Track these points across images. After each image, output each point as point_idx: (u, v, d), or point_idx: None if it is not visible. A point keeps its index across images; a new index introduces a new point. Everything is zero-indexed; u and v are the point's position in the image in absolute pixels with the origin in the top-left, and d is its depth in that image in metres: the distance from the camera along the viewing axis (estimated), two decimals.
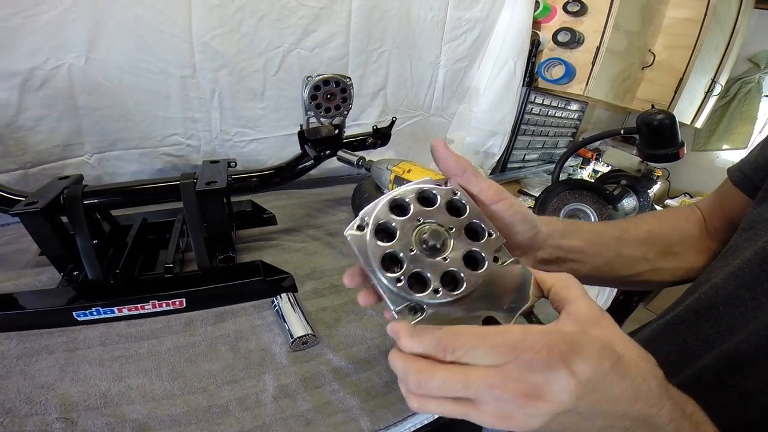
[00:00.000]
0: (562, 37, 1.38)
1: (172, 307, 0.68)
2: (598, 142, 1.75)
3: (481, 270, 0.34)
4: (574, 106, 1.67)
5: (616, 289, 0.95)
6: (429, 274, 0.33)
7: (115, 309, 0.65)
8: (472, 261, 0.34)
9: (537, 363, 0.27)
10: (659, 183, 1.65)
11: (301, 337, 0.64)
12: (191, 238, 0.70)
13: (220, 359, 0.63)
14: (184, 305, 0.69)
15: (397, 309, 0.32)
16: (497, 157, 1.48)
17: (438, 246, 0.33)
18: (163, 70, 0.91)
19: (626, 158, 1.20)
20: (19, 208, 0.63)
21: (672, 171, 1.98)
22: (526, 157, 1.61)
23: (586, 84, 1.39)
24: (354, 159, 0.85)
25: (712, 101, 1.97)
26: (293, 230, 0.98)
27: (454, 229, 0.34)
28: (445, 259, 0.33)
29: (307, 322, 0.67)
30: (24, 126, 0.82)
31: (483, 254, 0.34)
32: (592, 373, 0.27)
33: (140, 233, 0.79)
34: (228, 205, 0.80)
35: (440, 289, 0.32)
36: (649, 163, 1.14)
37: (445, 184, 0.37)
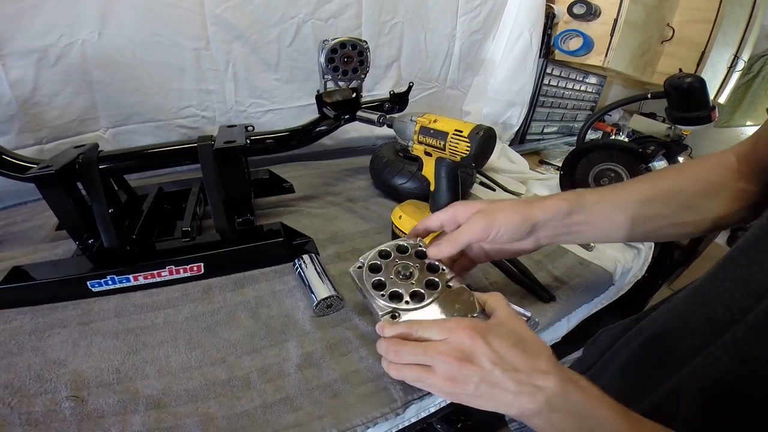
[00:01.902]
0: (578, 9, 1.27)
1: (189, 274, 0.60)
2: (617, 118, 1.64)
3: (438, 289, 0.49)
4: (592, 80, 1.55)
5: (638, 274, 0.86)
6: (402, 291, 0.49)
7: (130, 277, 0.58)
8: (431, 285, 0.50)
9: (465, 338, 0.39)
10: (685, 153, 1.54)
11: (326, 299, 0.56)
12: (209, 200, 0.62)
13: (240, 327, 0.55)
14: (202, 271, 0.61)
15: (382, 314, 0.47)
16: (516, 129, 1.37)
17: (407, 274, 0.51)
18: (176, 42, 0.85)
19: (653, 124, 1.09)
20: (34, 172, 0.56)
21: (695, 147, 1.84)
22: (545, 129, 1.50)
23: (606, 55, 1.28)
24: (374, 117, 0.76)
25: (735, 77, 1.83)
26: (312, 197, 0.89)
27: (419, 266, 0.52)
28: (412, 284, 0.50)
29: (332, 284, 0.58)
30: (40, 102, 0.78)
31: (438, 281, 0.50)
32: (500, 346, 0.39)
33: (156, 203, 0.71)
34: (246, 170, 0.72)
35: (410, 301, 0.48)
36: (678, 127, 1.02)
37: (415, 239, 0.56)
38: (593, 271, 0.76)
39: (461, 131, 0.59)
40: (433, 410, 0.57)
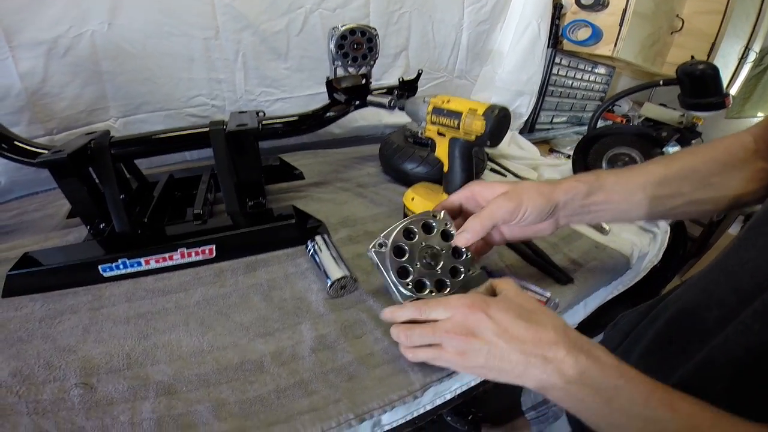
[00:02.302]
0: (586, 0, 1.24)
1: (201, 257, 0.58)
2: (627, 109, 1.60)
3: (460, 278, 0.48)
4: (601, 70, 1.51)
5: (654, 259, 0.83)
6: (427, 281, 0.47)
7: (141, 261, 0.56)
8: (453, 272, 0.48)
9: (467, 313, 0.40)
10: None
11: (339, 279, 0.54)
12: (221, 183, 0.61)
13: (253, 310, 0.53)
14: (214, 254, 0.59)
15: (402, 302, 0.46)
16: (525, 118, 1.34)
17: (433, 263, 0.48)
18: (185, 33, 0.84)
19: (665, 111, 1.05)
20: (46, 157, 0.55)
21: (706, 138, 1.80)
22: (554, 119, 1.46)
23: (615, 45, 1.25)
24: (385, 100, 0.74)
25: (746, 68, 1.78)
26: (322, 183, 0.87)
27: (444, 251, 0.49)
28: (437, 271, 0.48)
29: (345, 265, 0.56)
30: (50, 93, 0.77)
31: (460, 268, 0.48)
32: (502, 317, 0.39)
33: (167, 189, 0.69)
34: (257, 154, 0.70)
35: (434, 291, 0.47)
36: (691, 113, 0.99)
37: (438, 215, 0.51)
38: (609, 255, 0.73)
39: (476, 110, 0.57)
40: (448, 397, 0.54)
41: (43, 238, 0.66)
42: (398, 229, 0.48)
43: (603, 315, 0.93)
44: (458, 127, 0.59)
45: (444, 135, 0.63)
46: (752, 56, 1.72)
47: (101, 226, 0.60)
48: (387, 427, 0.49)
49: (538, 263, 0.65)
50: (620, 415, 0.34)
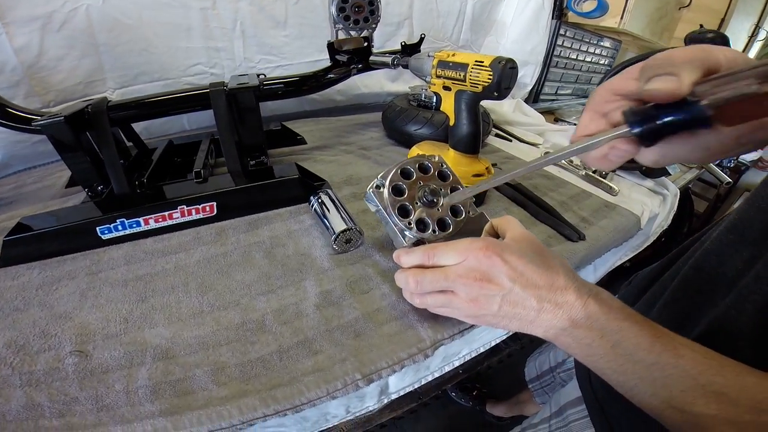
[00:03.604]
0: None
1: (201, 215, 0.54)
2: None
3: (461, 218, 0.44)
4: (606, 43, 1.43)
5: (664, 223, 0.78)
6: (429, 220, 0.42)
7: (141, 220, 0.51)
8: (454, 211, 0.44)
9: (482, 257, 0.36)
10: None
11: (345, 231, 0.49)
12: (221, 143, 0.56)
13: (255, 268, 0.49)
14: (215, 212, 0.54)
15: (406, 244, 0.42)
16: (529, 87, 1.29)
17: (434, 201, 0.43)
18: (183, 3, 0.79)
19: None
20: (43, 120, 0.50)
21: None
22: (559, 90, 1.39)
23: (621, 17, 1.18)
24: (388, 59, 0.69)
25: (756, 46, 1.71)
26: (324, 147, 0.82)
27: (442, 190, 0.44)
28: (438, 210, 0.43)
29: (350, 218, 0.51)
30: (46, 66, 0.72)
31: (461, 208, 0.44)
32: (517, 262, 0.35)
33: (166, 155, 0.65)
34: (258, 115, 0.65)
35: (436, 230, 0.42)
36: None
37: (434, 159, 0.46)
38: (620, 213, 0.68)
39: (482, 62, 0.53)
40: (456, 364, 0.50)
41: (42, 207, 0.62)
42: (395, 169, 0.43)
43: (612, 282, 0.89)
44: (464, 80, 0.55)
45: (450, 89, 0.58)
46: (762, 34, 1.65)
47: (99, 188, 0.56)
48: (394, 396, 0.46)
49: (548, 220, 0.61)
50: (625, 360, 0.31)
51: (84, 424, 0.33)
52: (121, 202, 0.54)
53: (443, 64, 0.57)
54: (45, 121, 0.51)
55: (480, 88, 0.54)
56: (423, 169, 0.45)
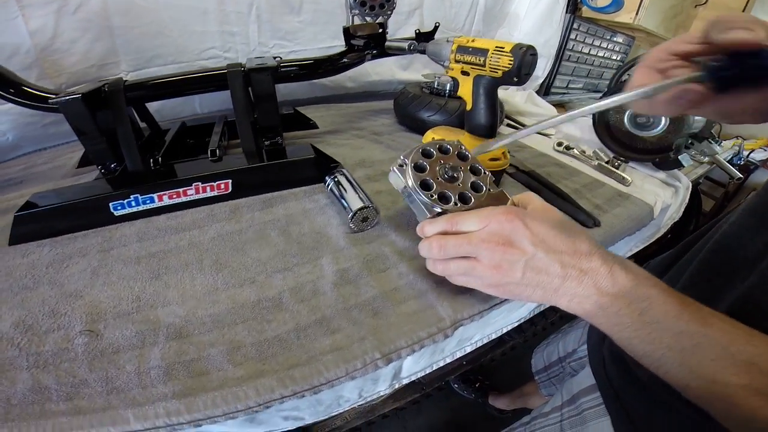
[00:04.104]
0: None
1: (216, 192, 0.52)
2: None
3: (482, 193, 0.43)
4: (619, 39, 1.40)
5: (675, 215, 0.77)
6: (450, 193, 0.42)
7: (154, 197, 0.50)
8: (475, 187, 0.44)
9: (504, 222, 0.36)
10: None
11: (361, 209, 0.48)
12: (237, 124, 0.55)
13: (270, 245, 0.47)
14: (230, 189, 0.53)
15: (429, 216, 0.41)
16: (541, 80, 1.26)
17: (455, 176, 0.43)
18: None
19: None
20: (60, 97, 0.49)
21: None
22: (570, 84, 1.37)
23: (636, 13, 1.16)
24: (405, 45, 0.68)
25: None
26: (337, 132, 0.81)
27: (462, 168, 0.44)
28: (459, 185, 0.43)
29: (367, 196, 0.50)
30: (59, 49, 0.71)
31: (482, 184, 0.44)
32: (539, 228, 0.35)
33: (179, 136, 0.63)
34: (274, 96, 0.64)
35: (458, 203, 0.42)
36: None
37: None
38: (633, 202, 0.67)
39: (502, 47, 0.52)
40: (469, 349, 0.49)
41: (53, 185, 0.61)
42: (416, 149, 0.44)
43: None
44: (484, 65, 0.54)
45: (468, 74, 0.57)
46: None
47: (113, 166, 0.54)
48: (405, 380, 0.44)
49: (563, 206, 0.59)
50: (652, 328, 0.30)
51: (92, 407, 0.31)
52: (135, 178, 0.52)
53: (462, 49, 0.56)
54: (62, 98, 0.49)
55: (500, 73, 0.53)
56: (443, 150, 0.46)
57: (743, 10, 1.31)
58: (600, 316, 0.33)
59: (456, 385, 1.37)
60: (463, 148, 0.46)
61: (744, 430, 0.27)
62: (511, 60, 0.51)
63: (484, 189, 0.43)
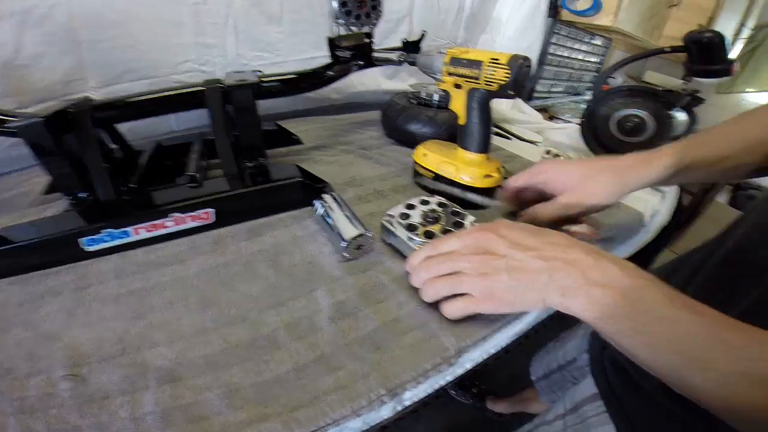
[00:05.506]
0: None
1: (197, 223, 0.49)
2: (621, 81, 1.55)
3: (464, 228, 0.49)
4: (597, 41, 1.44)
5: (664, 221, 0.78)
6: (435, 231, 0.48)
7: (129, 230, 0.47)
8: (458, 225, 0.49)
9: (479, 235, 0.40)
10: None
11: (356, 238, 0.46)
12: (217, 145, 0.51)
13: (260, 279, 0.45)
14: (213, 219, 0.50)
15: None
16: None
17: (435, 218, 0.50)
18: None
19: (668, 79, 1.00)
20: (19, 122, 0.45)
21: (707, 108, 1.76)
22: (552, 88, 1.38)
23: (616, 15, 1.19)
24: (393, 56, 0.66)
25: (739, 44, 1.74)
26: (323, 147, 0.78)
27: (443, 212, 0.51)
28: (442, 224, 0.49)
29: (360, 223, 0.48)
30: (22, 64, 0.66)
31: (464, 222, 0.49)
32: (511, 233, 0.39)
33: (155, 158, 0.60)
34: (256, 114, 0.61)
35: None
36: (698, 80, 0.94)
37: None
38: (624, 211, 0.68)
39: (498, 59, 0.51)
40: (469, 366, 0.47)
41: (19, 216, 0.56)
42: (402, 205, 0.51)
43: None
44: (478, 77, 0.53)
45: (461, 87, 0.56)
46: (746, 32, 1.67)
47: (82, 196, 0.50)
48: (408, 404, 0.42)
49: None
50: (645, 317, 0.31)
51: None
52: (107, 210, 0.49)
53: (456, 62, 0.55)
54: (22, 123, 0.45)
55: (495, 86, 0.52)
56: (423, 202, 0.53)
57: (713, 12, 1.34)
58: (591, 309, 0.33)
59: (453, 392, 1.37)
60: (441, 200, 0.54)
61: (743, 421, 0.27)
62: (507, 73, 0.50)
63: (467, 227, 0.48)
